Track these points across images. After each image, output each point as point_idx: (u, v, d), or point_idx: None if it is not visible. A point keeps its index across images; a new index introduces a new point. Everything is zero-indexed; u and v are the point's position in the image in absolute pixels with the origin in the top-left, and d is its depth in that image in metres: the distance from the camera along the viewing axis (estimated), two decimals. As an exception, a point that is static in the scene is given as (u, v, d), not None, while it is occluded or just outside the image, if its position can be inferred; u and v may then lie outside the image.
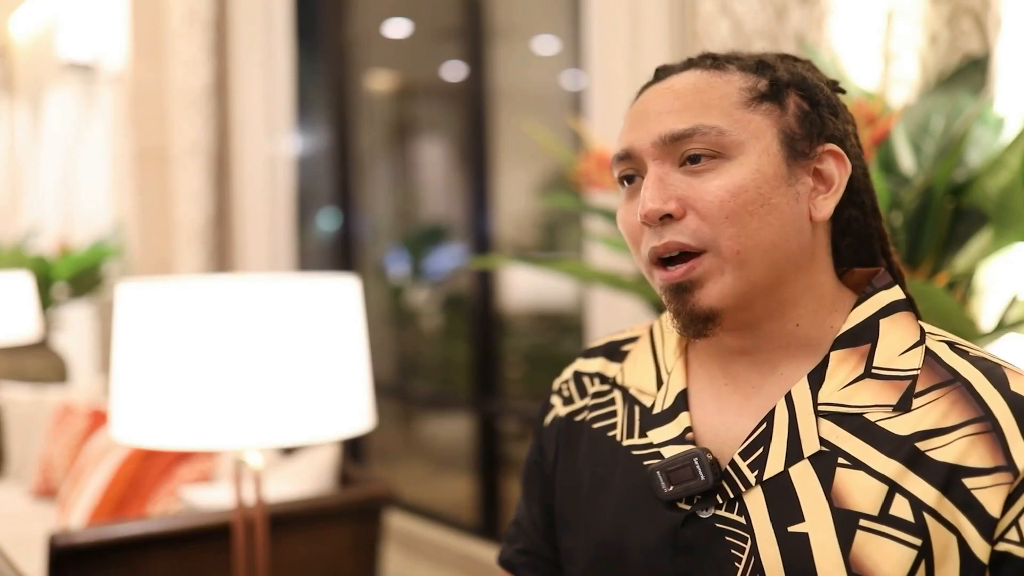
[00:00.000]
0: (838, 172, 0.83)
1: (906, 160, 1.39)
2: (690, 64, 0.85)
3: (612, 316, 2.25)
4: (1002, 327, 1.31)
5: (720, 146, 0.79)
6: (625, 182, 0.85)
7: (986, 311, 1.39)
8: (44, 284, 4.50)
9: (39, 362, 4.42)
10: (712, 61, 0.84)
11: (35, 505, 3.29)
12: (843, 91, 0.88)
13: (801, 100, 0.83)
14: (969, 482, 0.74)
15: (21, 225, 5.99)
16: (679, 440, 0.85)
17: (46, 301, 4.55)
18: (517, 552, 0.99)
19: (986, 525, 0.73)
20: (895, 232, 1.32)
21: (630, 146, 0.83)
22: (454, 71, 3.76)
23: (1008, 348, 1.34)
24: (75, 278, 4.57)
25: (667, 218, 0.80)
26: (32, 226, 5.55)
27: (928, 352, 0.80)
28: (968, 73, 1.45)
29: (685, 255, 0.80)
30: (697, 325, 0.80)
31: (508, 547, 1.01)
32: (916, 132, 1.41)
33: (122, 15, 4.30)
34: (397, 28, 4.47)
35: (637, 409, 0.90)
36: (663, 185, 0.80)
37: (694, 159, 0.80)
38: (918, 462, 0.75)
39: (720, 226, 0.78)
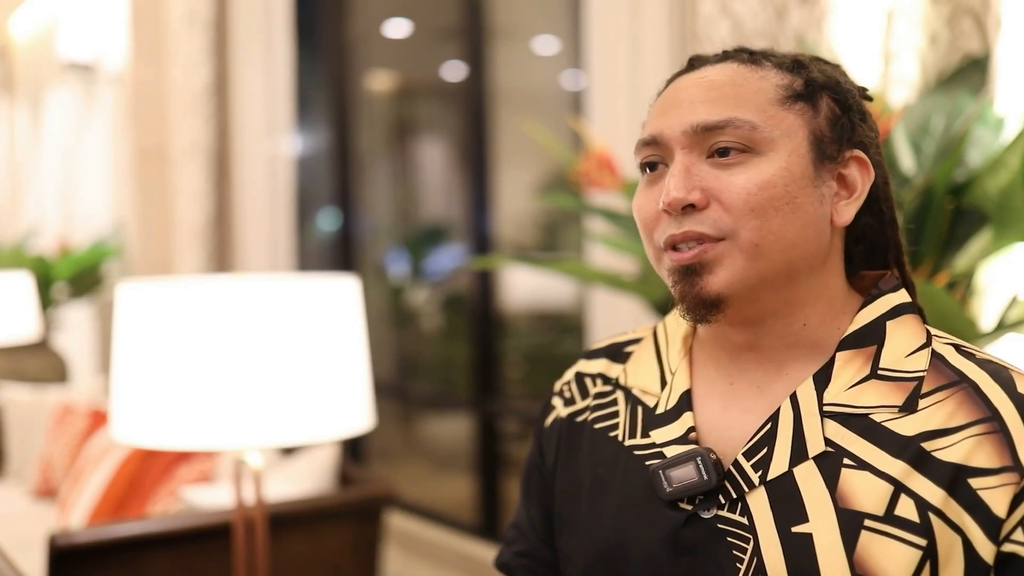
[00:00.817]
0: (861, 179, 0.82)
1: (906, 160, 1.39)
2: (726, 56, 0.85)
3: (612, 316, 2.25)
4: (1002, 327, 1.31)
5: (751, 141, 0.78)
6: (647, 168, 0.84)
7: (986, 311, 1.39)
8: (44, 284, 4.50)
9: (39, 362, 4.42)
10: (749, 55, 0.84)
11: (35, 505, 3.29)
12: (871, 98, 0.88)
13: (833, 103, 0.82)
14: (975, 482, 0.74)
15: (21, 225, 5.98)
16: (682, 440, 0.84)
17: (46, 301, 4.55)
18: (515, 555, 0.99)
19: (992, 526, 0.73)
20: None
21: (659, 132, 0.82)
22: (454, 71, 3.76)
23: (1008, 348, 1.34)
24: (75, 278, 4.57)
25: (689, 208, 0.79)
26: (32, 226, 5.55)
27: (934, 354, 0.80)
28: (968, 73, 1.45)
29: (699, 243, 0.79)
30: (701, 310, 0.80)
31: (506, 550, 1.00)
32: (916, 132, 1.41)
33: (122, 15, 4.29)
34: (397, 28, 4.47)
35: (640, 409, 0.90)
36: (689, 175, 0.79)
37: (723, 152, 0.79)
38: (924, 462, 0.75)
39: (743, 218, 0.77)
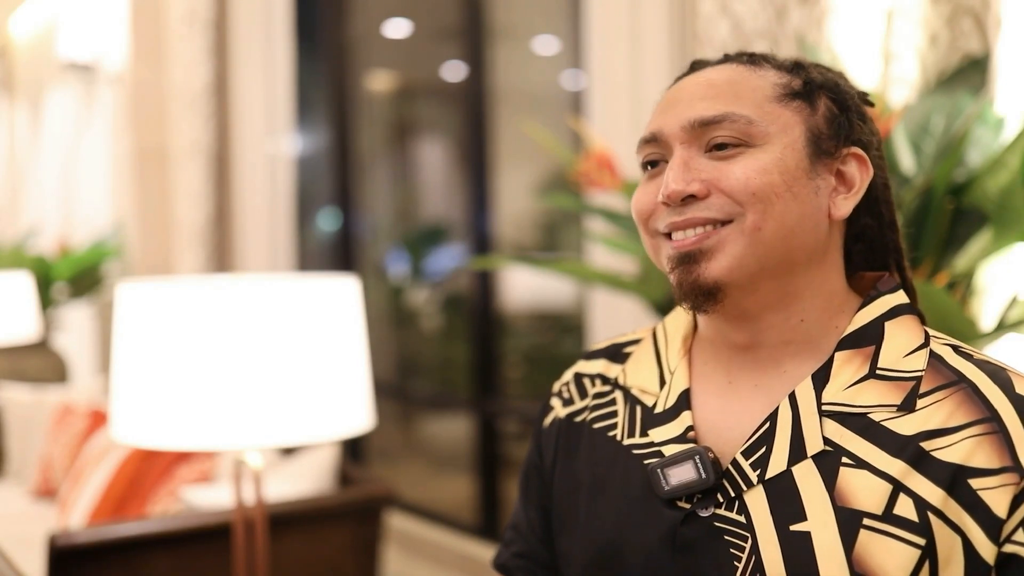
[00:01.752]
0: (860, 175, 0.83)
1: (906, 160, 1.39)
2: (727, 59, 0.87)
3: (612, 316, 2.25)
4: (1002, 327, 1.31)
5: (747, 135, 0.80)
6: (648, 166, 0.86)
7: (986, 311, 1.39)
8: (44, 284, 4.50)
9: (39, 362, 4.42)
10: (749, 57, 0.86)
11: (35, 505, 3.29)
12: (872, 104, 0.89)
13: (832, 103, 0.84)
14: (975, 483, 0.74)
15: (21, 225, 5.98)
16: (680, 439, 0.84)
17: (46, 301, 4.55)
18: (513, 556, 0.99)
19: (992, 526, 0.73)
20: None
21: (658, 129, 0.84)
22: (454, 71, 3.76)
23: (1008, 348, 1.34)
24: (75, 278, 4.57)
25: (689, 199, 0.80)
26: (32, 226, 5.55)
27: (932, 354, 0.81)
28: (968, 73, 1.45)
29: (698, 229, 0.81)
30: (699, 297, 0.81)
31: (504, 550, 1.00)
32: (916, 132, 1.41)
33: (122, 15, 4.29)
34: (397, 28, 4.47)
35: (639, 409, 0.90)
36: (688, 168, 0.81)
37: (720, 147, 0.80)
38: (923, 462, 0.75)
39: (748, 202, 0.79)
